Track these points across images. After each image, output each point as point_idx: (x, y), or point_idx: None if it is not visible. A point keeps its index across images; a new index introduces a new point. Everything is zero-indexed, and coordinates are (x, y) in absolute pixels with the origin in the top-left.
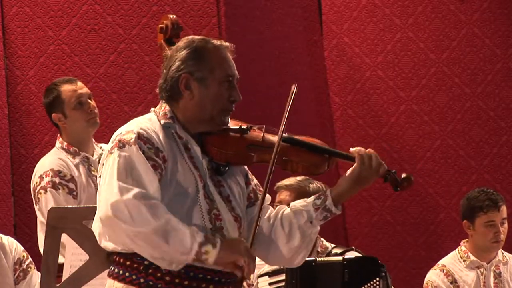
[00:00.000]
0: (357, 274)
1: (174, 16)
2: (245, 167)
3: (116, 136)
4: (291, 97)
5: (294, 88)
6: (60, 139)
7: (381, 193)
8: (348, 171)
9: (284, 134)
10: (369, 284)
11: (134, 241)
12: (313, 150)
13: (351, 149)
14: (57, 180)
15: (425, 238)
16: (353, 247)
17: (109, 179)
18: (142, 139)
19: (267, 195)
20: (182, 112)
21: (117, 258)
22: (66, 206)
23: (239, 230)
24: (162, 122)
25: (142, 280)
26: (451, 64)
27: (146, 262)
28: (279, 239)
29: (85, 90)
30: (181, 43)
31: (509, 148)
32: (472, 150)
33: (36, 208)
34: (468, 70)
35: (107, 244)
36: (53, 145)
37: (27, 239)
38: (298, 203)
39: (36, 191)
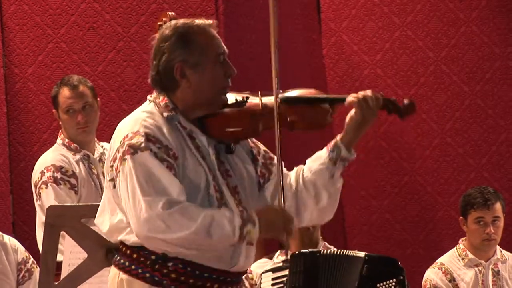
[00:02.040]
0: (376, 270)
1: (173, 13)
2: (248, 142)
3: (122, 138)
4: (274, 52)
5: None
6: (62, 135)
7: (380, 191)
8: (349, 117)
9: (280, 95)
10: (384, 283)
11: (180, 246)
12: (312, 103)
13: (348, 98)
14: (58, 175)
15: (424, 236)
16: (361, 252)
17: (132, 194)
18: (151, 140)
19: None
20: (180, 101)
21: (124, 249)
22: (64, 204)
23: None
24: (165, 115)
25: (147, 275)
26: (449, 62)
27: (153, 257)
28: (307, 203)
29: (81, 99)
30: (166, 31)
31: (508, 146)
32: (471, 148)
33: (37, 203)
34: (467, 69)
35: (127, 237)
36: (51, 143)
37: (26, 237)
38: (315, 162)
39: (38, 186)
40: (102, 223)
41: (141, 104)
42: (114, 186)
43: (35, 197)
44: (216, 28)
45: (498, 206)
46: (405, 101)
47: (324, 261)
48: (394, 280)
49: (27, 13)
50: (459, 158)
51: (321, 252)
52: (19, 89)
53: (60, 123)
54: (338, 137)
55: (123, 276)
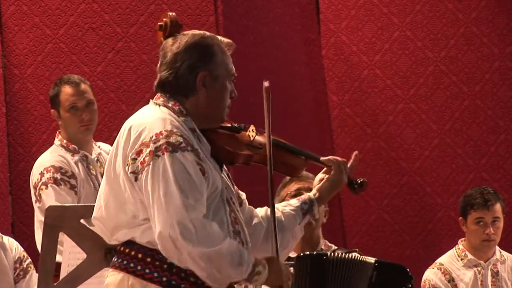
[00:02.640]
0: (385, 278)
1: (173, 13)
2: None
3: (154, 134)
4: (268, 97)
5: (266, 84)
6: (59, 136)
7: (378, 192)
8: (326, 178)
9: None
10: None
11: (196, 261)
12: (293, 152)
13: (322, 158)
14: (58, 176)
15: (423, 237)
16: (356, 249)
17: (166, 192)
18: (188, 142)
19: (242, 192)
20: (191, 108)
21: (133, 253)
22: (64, 204)
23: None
24: (182, 119)
25: (164, 278)
26: (449, 63)
27: (169, 260)
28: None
29: (84, 96)
30: (189, 39)
31: (507, 147)
32: (470, 149)
33: (36, 205)
34: (466, 69)
35: (140, 235)
36: (51, 144)
37: (25, 238)
38: (286, 207)
39: (38, 187)
40: (104, 218)
41: (140, 105)
42: (136, 179)
43: (34, 198)
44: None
45: (498, 207)
46: (359, 181)
47: (330, 264)
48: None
49: (26, 14)
50: (458, 159)
51: (328, 254)
52: (18, 90)
53: (60, 123)
54: (312, 194)
55: (134, 280)
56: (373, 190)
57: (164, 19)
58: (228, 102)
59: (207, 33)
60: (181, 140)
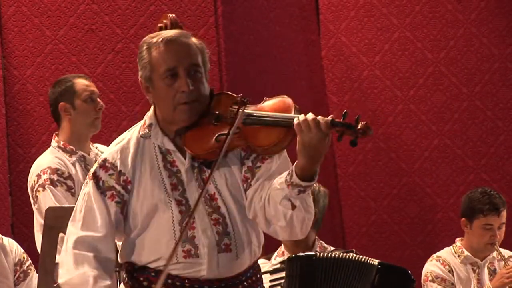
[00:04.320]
0: (387, 281)
1: (173, 15)
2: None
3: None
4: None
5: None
6: (56, 138)
7: (378, 192)
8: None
9: (246, 110)
10: None
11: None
12: (269, 124)
13: (294, 121)
14: (55, 177)
15: (423, 237)
16: (354, 250)
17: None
18: (105, 167)
19: (274, 163)
20: (158, 114)
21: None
22: (63, 205)
23: (219, 233)
24: (141, 133)
25: None
26: (448, 64)
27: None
28: (270, 219)
29: (96, 89)
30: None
31: (507, 147)
32: (470, 149)
33: (35, 207)
34: (466, 70)
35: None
36: (50, 145)
37: (25, 239)
38: (278, 180)
39: (34, 189)
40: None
41: (140, 106)
42: None
43: (32, 201)
44: (186, 38)
45: (505, 212)
46: (359, 126)
47: (321, 265)
48: None
49: (26, 15)
50: (458, 160)
51: (317, 255)
52: (18, 91)
53: (66, 117)
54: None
55: None
56: (372, 191)
57: (164, 21)
58: (176, 99)
59: (148, 37)
60: (95, 167)
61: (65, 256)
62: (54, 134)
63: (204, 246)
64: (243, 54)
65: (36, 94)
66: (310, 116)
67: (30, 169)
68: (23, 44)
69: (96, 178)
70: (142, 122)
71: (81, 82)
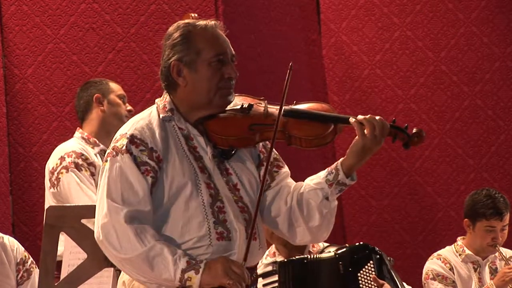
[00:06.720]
0: (351, 264)
1: (196, 15)
2: (257, 147)
3: (114, 138)
4: (289, 73)
5: (291, 65)
6: (80, 130)
7: (379, 192)
8: (353, 141)
9: (285, 107)
10: (364, 269)
11: (122, 265)
12: (315, 119)
13: (351, 120)
14: (79, 161)
15: (424, 237)
16: (347, 245)
17: (101, 195)
18: (135, 142)
19: (287, 169)
20: (181, 101)
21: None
22: (64, 204)
23: (246, 220)
24: (161, 116)
25: None
26: (449, 63)
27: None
28: (299, 221)
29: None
30: (170, 29)
31: (507, 146)
32: (471, 148)
33: (50, 191)
34: (466, 69)
35: None
36: (51, 144)
37: (26, 238)
38: (312, 181)
39: (57, 171)
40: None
41: (140, 105)
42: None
43: (49, 184)
44: (222, 29)
45: (508, 215)
46: (414, 130)
47: (311, 267)
48: (371, 262)
49: (27, 14)
50: (459, 159)
51: (307, 258)
52: (18, 90)
53: (97, 108)
54: (340, 160)
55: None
56: (373, 190)
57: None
58: (218, 84)
59: (186, 21)
60: (125, 142)
61: (119, 231)
62: (78, 127)
63: (236, 230)
64: (244, 54)
65: (37, 93)
66: (377, 118)
67: (31, 168)
68: (24, 43)
69: (129, 152)
70: (153, 107)
71: (114, 85)
